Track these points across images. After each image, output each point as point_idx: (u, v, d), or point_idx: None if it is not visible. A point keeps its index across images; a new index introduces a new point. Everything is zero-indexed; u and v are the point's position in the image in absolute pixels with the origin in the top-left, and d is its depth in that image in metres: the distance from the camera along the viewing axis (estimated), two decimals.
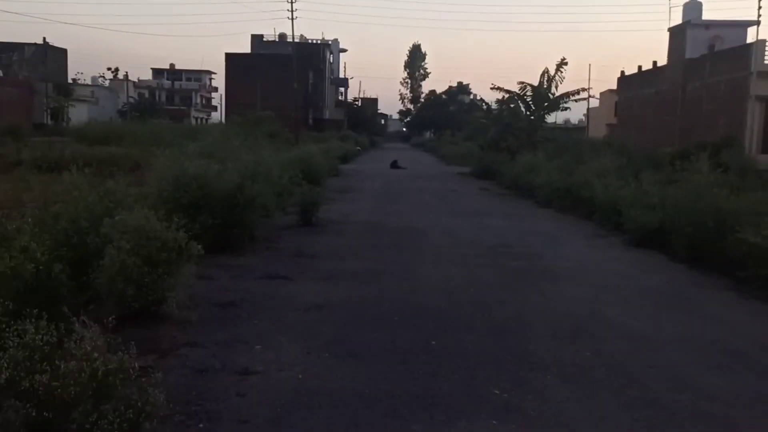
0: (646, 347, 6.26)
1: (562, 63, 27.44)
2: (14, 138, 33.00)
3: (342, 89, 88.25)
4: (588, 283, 8.99)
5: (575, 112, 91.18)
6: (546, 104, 28.32)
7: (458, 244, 11.85)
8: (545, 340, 6.39)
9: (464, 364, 5.65)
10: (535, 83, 28.51)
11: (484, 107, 30.29)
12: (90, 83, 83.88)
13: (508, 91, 28.27)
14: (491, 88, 28.62)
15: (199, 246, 6.87)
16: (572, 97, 28.56)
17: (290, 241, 11.49)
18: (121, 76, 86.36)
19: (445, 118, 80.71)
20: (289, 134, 38.10)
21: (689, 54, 40.80)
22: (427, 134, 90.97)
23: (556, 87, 27.97)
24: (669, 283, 9.21)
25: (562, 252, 11.39)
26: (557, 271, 9.77)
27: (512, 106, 29.16)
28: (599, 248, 11.91)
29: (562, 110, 27.92)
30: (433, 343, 6.20)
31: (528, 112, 28.72)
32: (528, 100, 28.20)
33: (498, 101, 29.64)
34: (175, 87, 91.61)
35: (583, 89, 28.89)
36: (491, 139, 28.25)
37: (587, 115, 71.15)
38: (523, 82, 27.83)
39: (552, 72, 27.88)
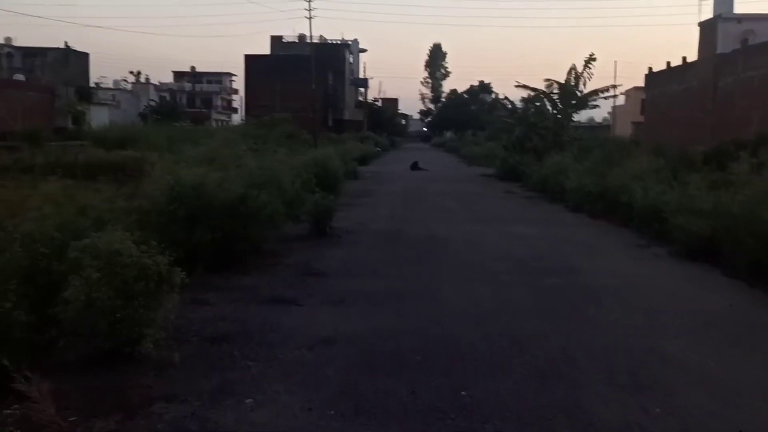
0: (727, 399, 5.03)
1: (591, 59, 26.03)
2: (33, 142, 32.62)
3: (362, 90, 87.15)
4: (638, 306, 7.74)
5: (599, 111, 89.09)
6: (574, 102, 26.91)
7: (485, 256, 10.65)
8: (600, 388, 5.18)
9: (504, 428, 4.47)
10: (561, 80, 27.14)
11: (509, 106, 28.94)
12: (112, 87, 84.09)
13: (533, 89, 26.92)
14: (516, 86, 27.36)
15: (183, 273, 5.77)
16: (601, 95, 27.14)
17: (300, 255, 10.39)
18: (143, 79, 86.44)
19: (466, 117, 79.23)
20: (308, 136, 37.11)
21: (721, 49, 39.04)
22: (448, 134, 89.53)
23: (584, 84, 26.57)
24: (732, 306, 7.91)
25: (602, 265, 10.13)
26: (600, 290, 8.53)
27: (538, 104, 27.79)
28: (643, 261, 10.62)
29: (590, 108, 26.46)
30: (463, 393, 5.03)
31: (555, 111, 27.33)
32: (555, 98, 26.81)
33: (523, 100, 28.29)
34: (196, 89, 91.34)
35: (613, 86, 27.50)
36: (516, 139, 26.91)
37: (612, 114, 69.23)
38: (549, 79, 26.52)
39: (580, 68, 26.49)
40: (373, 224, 13.94)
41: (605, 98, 26.40)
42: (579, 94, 26.93)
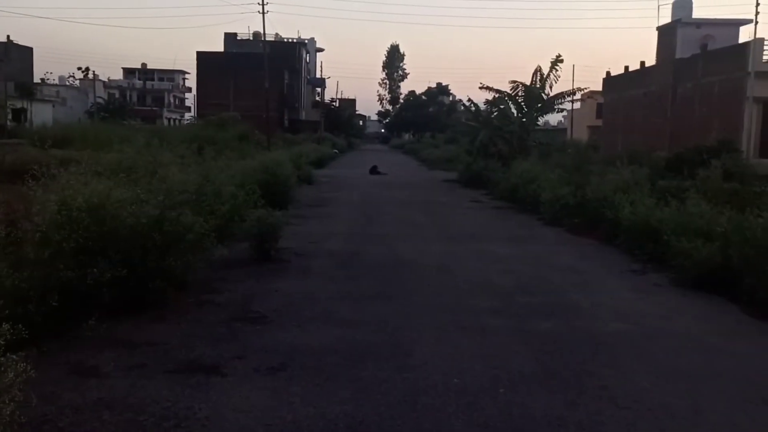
0: None
1: (558, 60, 24.53)
2: None
3: (319, 90, 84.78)
4: (665, 367, 5.94)
5: (554, 114, 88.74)
6: (540, 105, 25.36)
7: (461, 288, 8.75)
8: None
9: None
10: (526, 83, 25.54)
11: (472, 108, 27.26)
12: (58, 83, 79.64)
13: (498, 91, 25.28)
14: (480, 88, 25.67)
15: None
16: (567, 97, 25.70)
17: (236, 289, 8.29)
18: (91, 76, 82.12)
19: (424, 119, 77.72)
20: (261, 137, 34.73)
21: (680, 54, 38.33)
22: (406, 136, 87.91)
23: (551, 87, 25.03)
24: None
25: (600, 300, 8.34)
26: (610, 340, 6.72)
27: (502, 107, 26.15)
28: (645, 293, 8.88)
29: (557, 112, 24.96)
30: None
31: (520, 114, 25.73)
32: (520, 100, 25.20)
33: (486, 102, 26.64)
34: (147, 87, 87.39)
35: (579, 89, 26.07)
36: (480, 144, 25.21)
37: (569, 117, 68.59)
38: (515, 81, 24.88)
39: (545, 70, 24.95)
40: (328, 243, 11.91)
41: (573, 101, 24.86)
42: (545, 96, 25.39)
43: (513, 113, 26.21)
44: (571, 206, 14.86)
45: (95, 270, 6.30)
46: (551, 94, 25.33)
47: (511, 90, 24.92)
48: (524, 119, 25.67)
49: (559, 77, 24.46)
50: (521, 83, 24.79)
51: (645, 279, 9.71)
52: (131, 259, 6.79)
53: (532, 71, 25.20)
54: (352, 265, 10.04)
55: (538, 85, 25.09)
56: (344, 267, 9.91)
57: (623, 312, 7.83)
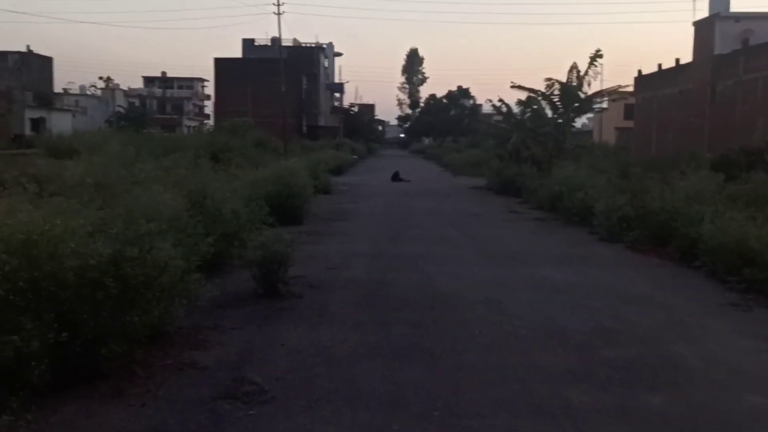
0: None
1: (596, 56, 22.21)
2: None
3: (337, 95, 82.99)
4: None
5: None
6: (577, 105, 23.08)
7: (524, 337, 6.62)
8: None
9: None
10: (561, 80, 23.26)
11: (503, 109, 25.06)
12: (79, 92, 78.93)
13: (532, 90, 23.02)
14: (511, 87, 23.42)
15: None
16: (607, 96, 23.39)
17: (230, 343, 6.27)
18: (112, 85, 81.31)
19: (445, 123, 75.41)
20: (277, 143, 32.87)
21: (718, 50, 35.79)
22: (426, 140, 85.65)
23: (589, 84, 22.76)
24: None
25: (712, 354, 6.18)
26: (757, 428, 4.59)
27: (535, 107, 23.92)
28: (766, 339, 6.71)
29: (596, 112, 22.66)
30: None
31: (555, 115, 23.47)
32: (555, 100, 22.95)
33: (518, 102, 24.40)
34: (167, 95, 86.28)
35: (620, 86, 23.76)
36: (513, 147, 23.01)
37: (595, 119, 65.75)
38: (550, 79, 22.60)
39: (583, 67, 22.65)
40: (348, 269, 9.84)
41: (615, 100, 22.56)
42: (582, 95, 23.11)
43: (547, 114, 23.97)
44: (631, 219, 12.69)
45: (15, 337, 4.31)
46: (589, 93, 23.05)
47: (545, 89, 22.69)
48: (560, 120, 23.41)
49: (599, 74, 22.19)
50: (557, 81, 22.56)
51: (754, 318, 7.52)
52: (76, 316, 4.81)
53: (568, 69, 22.96)
54: (379, 302, 7.96)
55: (574, 83, 22.83)
56: (369, 304, 7.84)
57: (753, 374, 5.67)
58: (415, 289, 8.59)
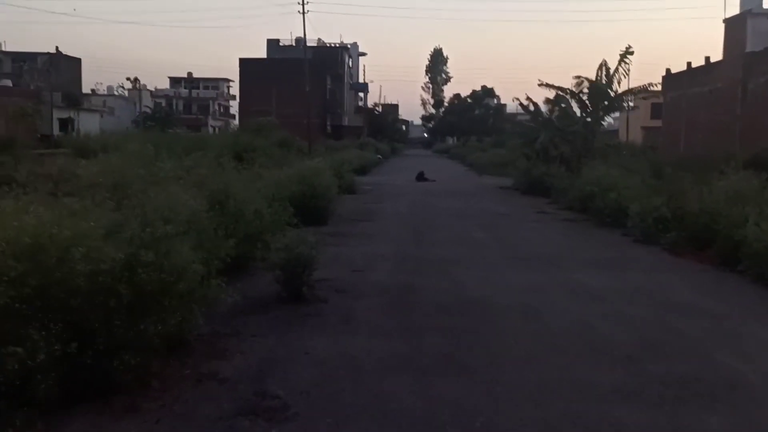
0: None
1: (627, 53, 21.46)
2: (8, 151, 28.79)
3: (361, 94, 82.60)
4: None
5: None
6: (606, 102, 22.37)
7: (564, 348, 6.14)
8: None
9: None
10: (590, 78, 22.54)
11: (531, 108, 24.42)
12: (107, 93, 79.73)
13: (560, 88, 22.38)
14: (539, 85, 22.80)
15: None
16: (638, 94, 22.65)
17: (251, 351, 5.90)
18: (139, 86, 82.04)
19: (470, 123, 74.61)
20: (302, 143, 32.61)
21: (750, 47, 34.70)
22: (450, 140, 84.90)
23: (618, 83, 22.02)
24: None
25: None
26: None
27: (563, 106, 23.25)
28: None
29: (626, 111, 21.91)
30: None
31: (584, 114, 22.78)
32: (584, 98, 22.26)
33: (546, 101, 23.76)
34: (193, 95, 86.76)
35: (651, 84, 22.99)
36: (541, 146, 22.38)
37: (621, 118, 64.48)
38: (579, 77, 21.93)
39: (612, 64, 21.90)
40: (374, 272, 9.43)
41: (645, 98, 21.79)
42: (612, 93, 22.38)
43: (574, 113, 23.29)
44: (668, 220, 12.09)
45: (20, 349, 3.98)
46: (619, 91, 22.30)
47: (574, 86, 22.03)
48: (588, 119, 22.72)
49: (629, 71, 21.45)
50: (586, 78, 21.88)
51: None
52: (87, 325, 4.47)
53: (596, 67, 22.25)
54: (407, 308, 7.53)
55: (604, 81, 22.13)
56: (397, 311, 7.41)
57: None
58: (445, 294, 8.15)
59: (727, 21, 37.68)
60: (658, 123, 48.98)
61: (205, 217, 5.98)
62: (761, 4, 36.54)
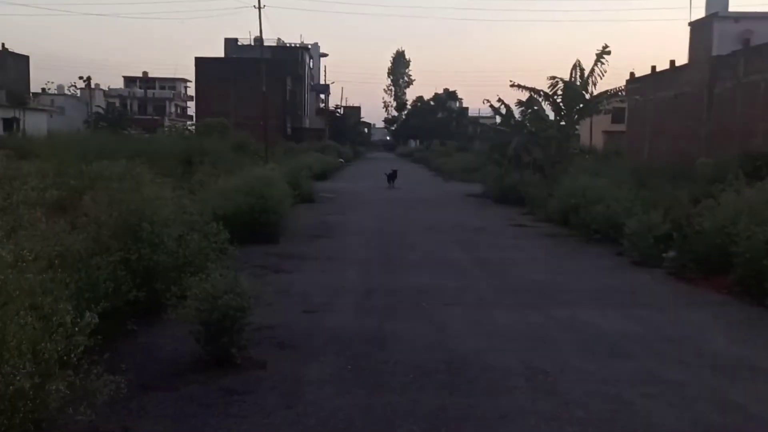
0: None
1: (604, 52, 19.92)
2: None
3: (323, 96, 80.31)
4: None
5: None
6: (581, 105, 20.77)
7: None
8: None
9: None
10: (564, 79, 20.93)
11: (503, 110, 22.66)
12: (57, 92, 75.71)
13: (533, 90, 20.66)
14: (511, 86, 21.00)
15: None
16: (614, 97, 21.14)
17: None
18: (92, 85, 78.09)
19: (433, 126, 73.06)
20: (259, 146, 30.27)
21: (717, 51, 33.83)
22: (413, 143, 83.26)
23: (594, 84, 20.43)
24: None
25: None
26: None
27: (536, 108, 21.57)
28: None
29: (602, 114, 20.40)
30: None
31: (558, 117, 21.14)
32: (558, 100, 20.61)
33: (518, 103, 22.01)
34: (148, 96, 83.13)
35: (621, 88, 21.51)
36: (514, 152, 20.65)
37: (585, 122, 63.74)
38: (554, 77, 20.23)
39: (587, 65, 20.33)
40: (331, 314, 7.38)
41: (621, 101, 20.28)
42: (587, 95, 20.81)
43: (547, 116, 21.63)
44: (670, 239, 10.41)
45: None
46: (595, 93, 20.73)
47: (548, 88, 20.36)
48: (563, 123, 21.09)
49: (606, 72, 19.90)
50: (561, 79, 20.23)
51: None
52: None
53: (570, 66, 20.66)
54: (376, 376, 5.50)
55: (578, 82, 20.54)
56: (362, 381, 5.37)
57: None
58: (425, 350, 6.16)
59: (692, 24, 36.87)
60: (618, 127, 48.12)
61: (43, 280, 3.78)
62: (727, 7, 35.83)
